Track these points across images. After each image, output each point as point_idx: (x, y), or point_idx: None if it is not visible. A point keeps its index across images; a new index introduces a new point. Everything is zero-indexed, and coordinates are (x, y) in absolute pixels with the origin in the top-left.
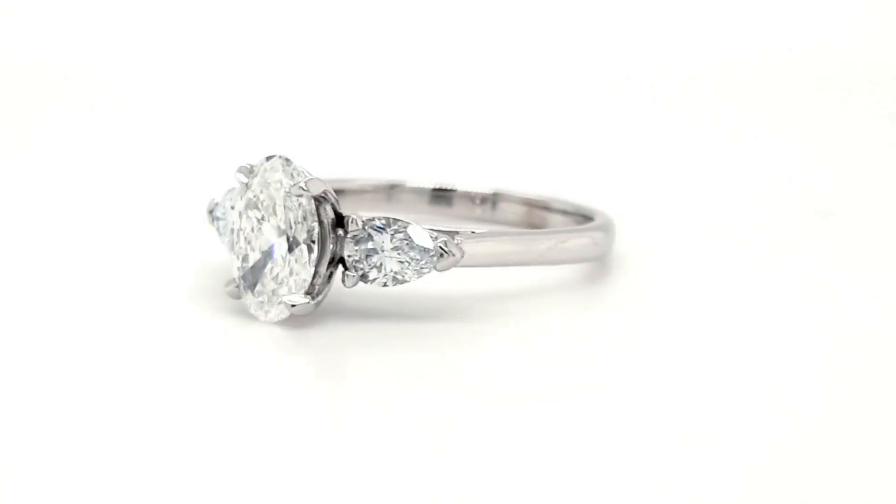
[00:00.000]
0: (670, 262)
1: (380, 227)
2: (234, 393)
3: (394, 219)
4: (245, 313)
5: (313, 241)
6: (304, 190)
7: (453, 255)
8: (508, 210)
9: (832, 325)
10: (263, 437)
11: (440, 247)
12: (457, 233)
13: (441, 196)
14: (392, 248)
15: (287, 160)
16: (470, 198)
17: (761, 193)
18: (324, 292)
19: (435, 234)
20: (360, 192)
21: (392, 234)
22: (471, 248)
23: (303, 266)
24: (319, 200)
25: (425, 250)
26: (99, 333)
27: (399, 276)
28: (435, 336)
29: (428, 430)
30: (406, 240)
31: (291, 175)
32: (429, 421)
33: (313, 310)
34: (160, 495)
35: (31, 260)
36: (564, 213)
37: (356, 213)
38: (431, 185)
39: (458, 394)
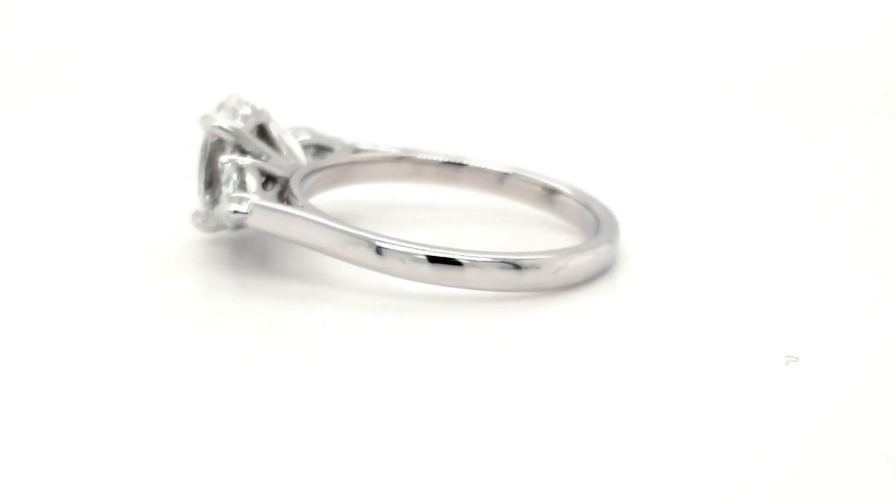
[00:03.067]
0: (673, 262)
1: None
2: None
3: (237, 168)
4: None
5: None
6: (203, 125)
7: (237, 213)
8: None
9: (840, 327)
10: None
11: (229, 199)
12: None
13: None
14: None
15: (224, 101)
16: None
17: (770, 193)
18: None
19: (253, 189)
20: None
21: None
22: (261, 214)
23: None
24: (220, 140)
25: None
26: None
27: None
28: (432, 332)
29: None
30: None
31: (216, 111)
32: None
33: (207, 230)
34: None
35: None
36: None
37: (253, 159)
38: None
39: (455, 396)
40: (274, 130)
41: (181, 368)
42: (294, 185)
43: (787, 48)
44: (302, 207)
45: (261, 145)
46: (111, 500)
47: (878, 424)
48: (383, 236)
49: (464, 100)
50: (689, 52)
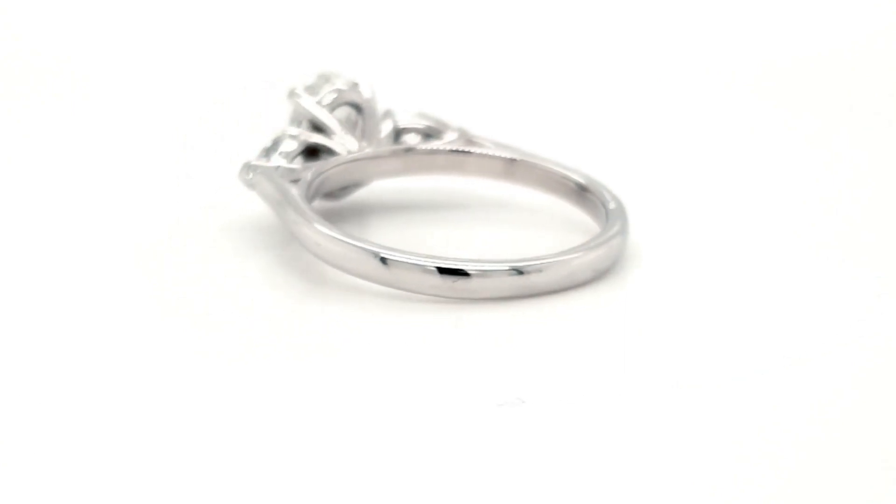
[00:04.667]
0: (672, 260)
1: None
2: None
3: (279, 137)
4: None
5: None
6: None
7: (242, 178)
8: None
9: (840, 327)
10: None
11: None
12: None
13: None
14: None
15: (320, 75)
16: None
17: (769, 193)
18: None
19: (281, 160)
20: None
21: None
22: (260, 184)
23: None
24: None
25: None
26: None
27: None
28: (433, 331)
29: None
30: None
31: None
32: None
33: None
34: None
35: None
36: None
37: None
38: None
39: (455, 396)
40: (366, 112)
41: (181, 368)
42: (310, 172)
43: (787, 48)
44: (287, 191)
45: (334, 123)
46: (110, 499)
47: (878, 425)
48: (355, 238)
49: (474, 89)
50: (687, 51)
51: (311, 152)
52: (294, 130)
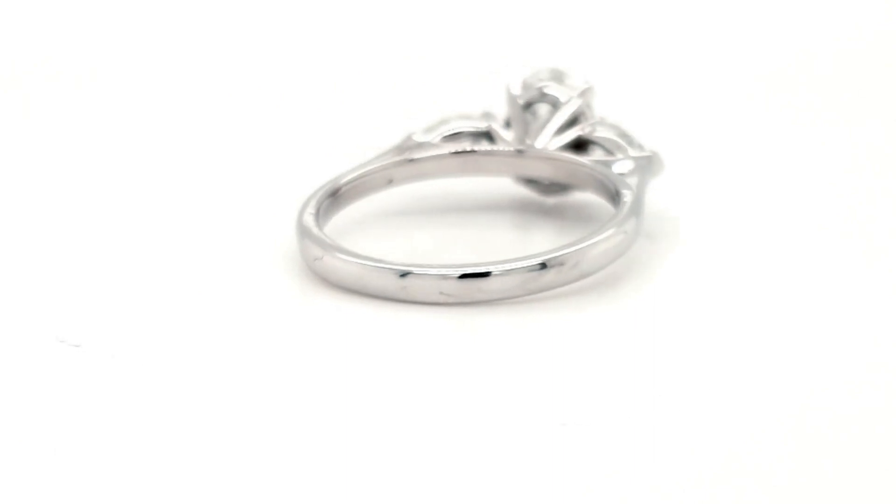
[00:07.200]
0: (674, 261)
1: None
2: None
3: (455, 119)
4: None
5: None
6: None
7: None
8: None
9: (842, 327)
10: None
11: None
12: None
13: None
14: None
15: (541, 70)
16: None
17: (771, 193)
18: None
19: (427, 135)
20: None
21: None
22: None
23: None
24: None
25: None
26: None
27: None
28: (434, 330)
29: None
30: None
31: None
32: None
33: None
34: None
35: None
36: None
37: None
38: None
39: (456, 397)
40: (558, 113)
41: (179, 368)
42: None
43: (788, 48)
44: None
45: (516, 115)
46: (110, 499)
47: (878, 424)
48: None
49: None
50: (688, 51)
51: (491, 138)
52: (466, 114)
